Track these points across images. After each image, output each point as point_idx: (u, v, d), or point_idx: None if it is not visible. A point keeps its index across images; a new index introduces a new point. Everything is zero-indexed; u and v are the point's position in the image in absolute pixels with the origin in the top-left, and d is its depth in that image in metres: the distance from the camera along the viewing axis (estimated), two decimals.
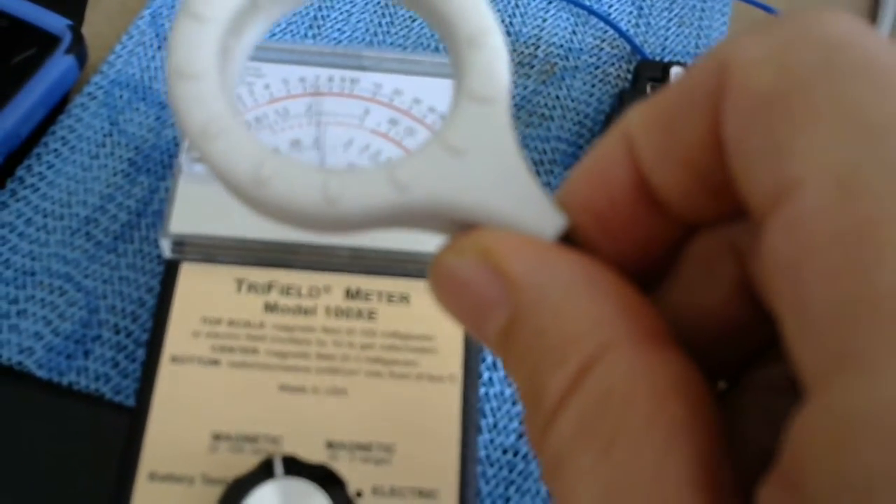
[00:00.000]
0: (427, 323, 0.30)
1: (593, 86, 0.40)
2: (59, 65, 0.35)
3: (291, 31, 0.40)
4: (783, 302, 0.11)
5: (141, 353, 0.31)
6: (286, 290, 0.31)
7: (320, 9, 0.40)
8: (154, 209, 0.34)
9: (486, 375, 0.32)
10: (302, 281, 0.31)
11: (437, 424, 0.29)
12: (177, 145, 0.36)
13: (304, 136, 0.33)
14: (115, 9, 0.40)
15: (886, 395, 0.10)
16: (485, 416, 0.31)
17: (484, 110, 0.15)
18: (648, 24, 0.42)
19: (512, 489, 0.30)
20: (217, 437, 0.28)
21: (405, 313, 0.30)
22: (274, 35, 0.39)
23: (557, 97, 0.39)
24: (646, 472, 0.12)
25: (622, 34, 0.41)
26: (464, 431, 0.29)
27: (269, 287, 0.31)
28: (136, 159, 0.35)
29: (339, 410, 0.29)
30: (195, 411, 0.28)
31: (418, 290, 0.31)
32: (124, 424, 0.28)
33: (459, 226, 0.15)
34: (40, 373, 0.31)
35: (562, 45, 0.41)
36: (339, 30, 0.40)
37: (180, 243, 0.30)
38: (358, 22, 0.40)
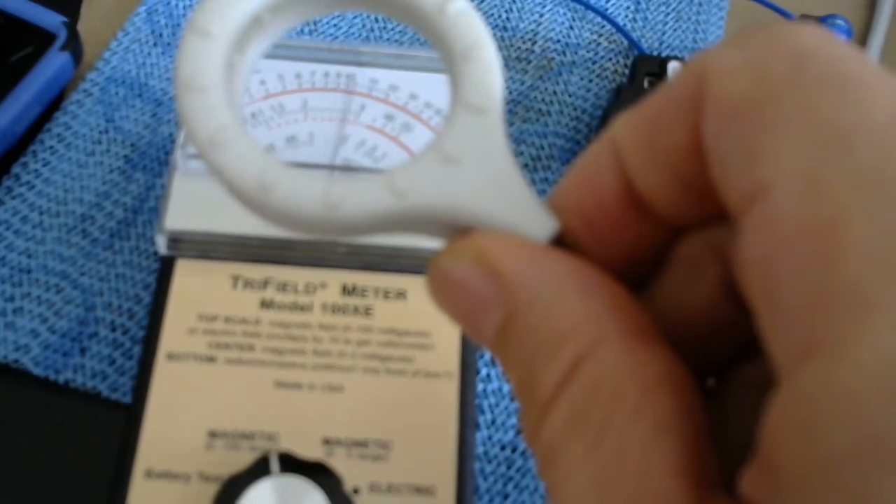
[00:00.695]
0: (424, 319, 0.30)
1: (590, 81, 0.39)
2: (55, 62, 0.35)
3: None
4: (757, 294, 0.12)
5: (138, 351, 0.31)
6: (282, 287, 0.30)
7: None
8: (150, 206, 0.34)
9: (484, 372, 0.32)
10: (298, 277, 0.31)
11: (434, 421, 0.29)
12: (173, 142, 0.35)
13: (300, 131, 0.33)
14: (110, 5, 0.40)
15: (847, 380, 0.10)
16: (483, 412, 0.31)
17: (478, 120, 0.16)
18: (646, 19, 0.42)
19: (510, 486, 0.30)
20: (213, 434, 0.28)
21: (402, 309, 0.30)
22: None
23: (555, 92, 0.39)
24: (633, 461, 0.12)
25: (619, 29, 0.41)
26: (461, 428, 0.29)
27: (265, 283, 0.30)
28: (132, 156, 0.35)
29: (336, 407, 0.29)
30: (191, 408, 0.28)
31: (415, 287, 0.31)
32: (121, 422, 0.28)
33: (456, 230, 0.16)
34: (37, 370, 0.31)
35: (559, 41, 0.41)
36: (335, 25, 0.40)
37: (176, 240, 0.30)
38: (354, 18, 0.40)
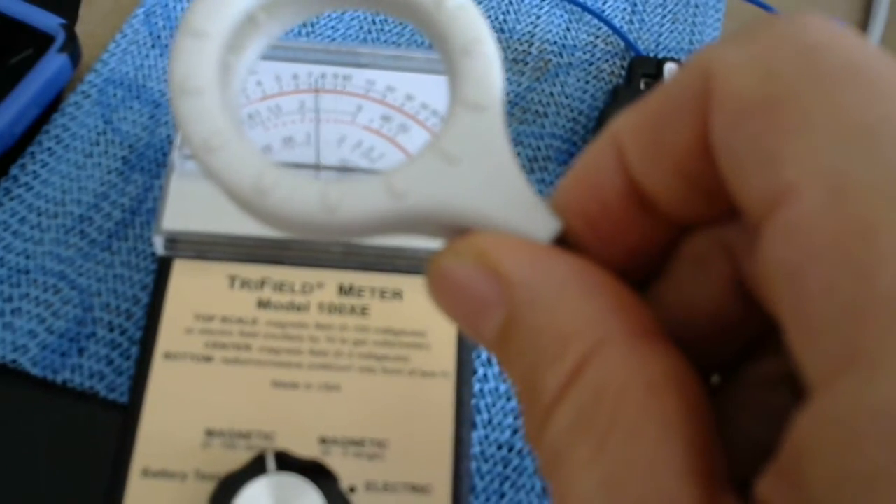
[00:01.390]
0: (420, 319, 0.30)
1: (587, 82, 0.40)
2: (53, 63, 0.35)
3: None
4: (784, 306, 0.12)
5: (135, 351, 0.31)
6: (279, 287, 0.31)
7: None
8: (148, 207, 0.34)
9: (480, 371, 0.32)
10: (295, 277, 0.31)
11: (430, 420, 0.29)
12: (170, 143, 0.36)
13: (297, 132, 0.33)
14: (108, 7, 0.40)
15: (887, 393, 0.10)
16: (479, 412, 0.31)
17: (478, 117, 0.16)
18: (642, 20, 0.42)
19: (507, 485, 0.30)
20: (210, 433, 0.28)
21: (398, 309, 0.31)
22: None
23: (552, 94, 0.39)
24: (641, 462, 0.12)
25: (616, 31, 0.41)
26: (457, 427, 0.29)
27: (261, 283, 0.31)
28: (130, 157, 0.35)
29: (332, 406, 0.29)
30: (188, 408, 0.28)
31: (411, 286, 0.31)
32: (118, 421, 0.28)
33: (456, 231, 0.15)
34: (35, 371, 0.31)
35: (556, 42, 0.41)
36: (332, 27, 0.40)
37: (173, 240, 0.30)
38: (352, 19, 0.40)
